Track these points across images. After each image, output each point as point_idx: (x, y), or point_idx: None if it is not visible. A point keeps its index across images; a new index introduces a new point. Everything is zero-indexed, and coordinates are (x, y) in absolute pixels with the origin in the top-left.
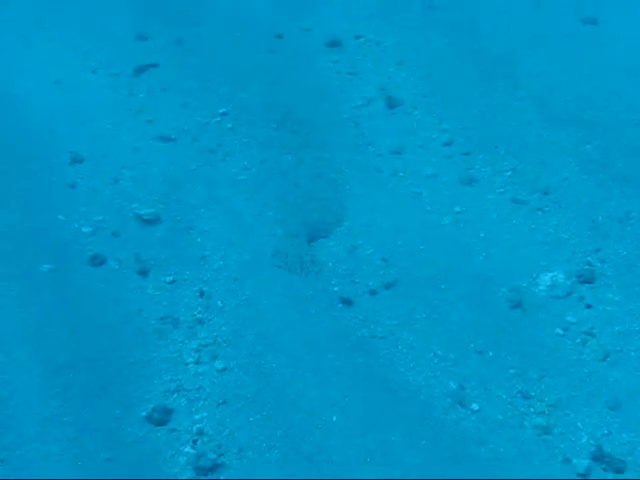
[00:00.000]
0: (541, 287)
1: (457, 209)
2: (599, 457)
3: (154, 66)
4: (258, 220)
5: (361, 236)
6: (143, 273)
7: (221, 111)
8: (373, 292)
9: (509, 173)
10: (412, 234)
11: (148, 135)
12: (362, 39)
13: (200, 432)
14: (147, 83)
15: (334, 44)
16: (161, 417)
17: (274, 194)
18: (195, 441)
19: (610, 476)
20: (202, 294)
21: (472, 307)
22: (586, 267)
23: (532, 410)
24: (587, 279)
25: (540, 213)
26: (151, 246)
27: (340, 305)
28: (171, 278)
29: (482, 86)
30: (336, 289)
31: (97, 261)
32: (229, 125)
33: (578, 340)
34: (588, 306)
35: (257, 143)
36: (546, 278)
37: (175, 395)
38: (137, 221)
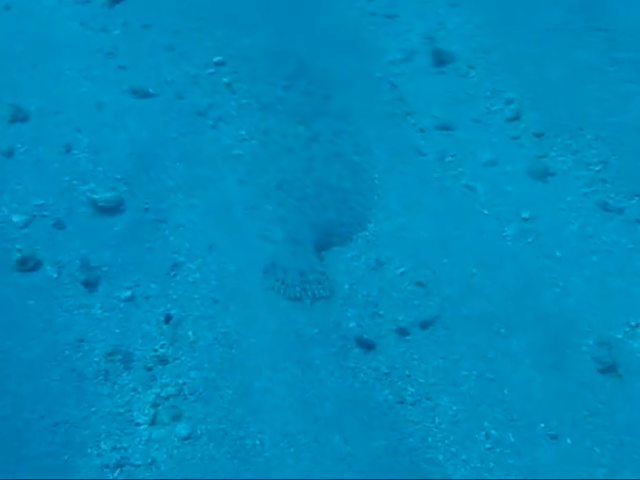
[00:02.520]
0: None
1: (525, 214)
2: None
3: None
4: (251, 215)
5: (391, 247)
6: (90, 285)
7: (216, 60)
8: (403, 332)
9: (598, 167)
10: (461, 248)
11: (119, 87)
12: None
13: None
14: (124, 17)
15: None
16: None
17: (276, 179)
18: None
19: None
20: (168, 319)
21: (543, 366)
22: None
23: None
24: None
25: None
26: (106, 245)
27: (357, 350)
28: (128, 294)
29: (565, 41)
30: (352, 325)
31: (28, 265)
32: (225, 79)
33: None
34: None
35: (260, 106)
36: None
37: (117, 472)
38: (90, 208)
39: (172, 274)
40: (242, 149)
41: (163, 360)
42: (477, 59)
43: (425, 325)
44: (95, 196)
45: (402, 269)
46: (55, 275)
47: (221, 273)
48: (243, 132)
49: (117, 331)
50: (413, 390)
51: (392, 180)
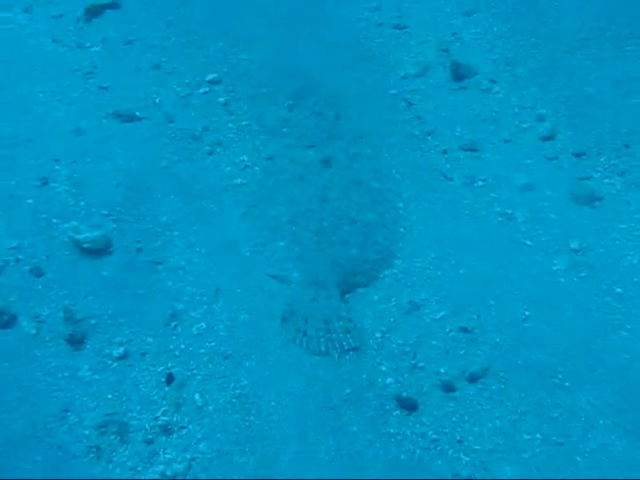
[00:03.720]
0: None
1: (574, 245)
2: None
3: (114, 6)
4: (261, 253)
5: (425, 286)
6: (76, 342)
7: (210, 78)
8: (449, 387)
9: None
10: (508, 287)
11: (100, 110)
12: None
13: None
14: (103, 32)
15: None
16: None
17: (287, 212)
18: None
19: None
20: (170, 380)
21: (621, 428)
22: None
23: None
24: None
25: None
26: (92, 294)
27: (397, 412)
28: (121, 351)
29: (601, 50)
30: (389, 381)
31: (1, 320)
32: (221, 99)
33: None
34: None
35: (263, 129)
36: None
37: None
38: (73, 251)
39: (172, 325)
40: (245, 177)
41: (166, 430)
42: (500, 72)
43: (474, 379)
44: (78, 236)
45: (441, 313)
46: (34, 331)
47: (231, 323)
48: (245, 158)
49: (109, 397)
50: (467, 459)
51: (418, 209)
